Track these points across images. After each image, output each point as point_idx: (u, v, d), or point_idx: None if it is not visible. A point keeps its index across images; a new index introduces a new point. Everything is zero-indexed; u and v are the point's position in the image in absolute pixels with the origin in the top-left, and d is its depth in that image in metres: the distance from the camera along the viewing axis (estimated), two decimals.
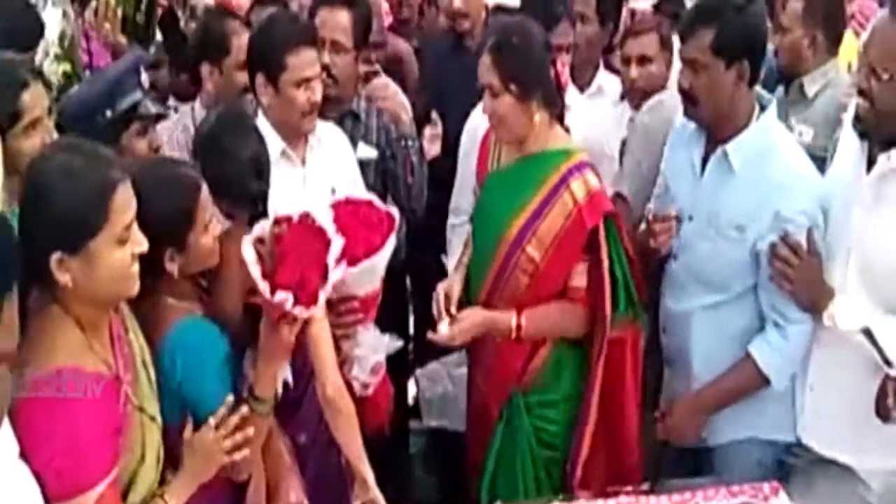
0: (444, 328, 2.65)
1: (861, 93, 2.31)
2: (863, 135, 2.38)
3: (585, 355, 2.71)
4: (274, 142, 2.69)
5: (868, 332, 2.35)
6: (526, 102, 2.58)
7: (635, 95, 3.34)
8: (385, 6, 4.39)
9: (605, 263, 2.59)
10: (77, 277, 1.74)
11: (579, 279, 2.65)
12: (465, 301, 2.76)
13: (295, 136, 2.80)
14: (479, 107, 2.97)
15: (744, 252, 2.52)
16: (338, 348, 2.48)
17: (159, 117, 2.67)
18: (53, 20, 3.33)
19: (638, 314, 2.69)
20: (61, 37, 3.37)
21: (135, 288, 1.85)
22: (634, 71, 3.31)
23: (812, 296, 2.45)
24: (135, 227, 1.81)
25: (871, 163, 2.37)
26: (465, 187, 3.21)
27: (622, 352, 2.68)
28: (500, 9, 3.75)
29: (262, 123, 2.70)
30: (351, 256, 2.34)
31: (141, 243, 1.82)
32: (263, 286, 2.11)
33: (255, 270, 2.14)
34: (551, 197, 2.61)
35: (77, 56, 3.45)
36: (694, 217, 2.61)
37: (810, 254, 2.44)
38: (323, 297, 2.19)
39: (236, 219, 2.29)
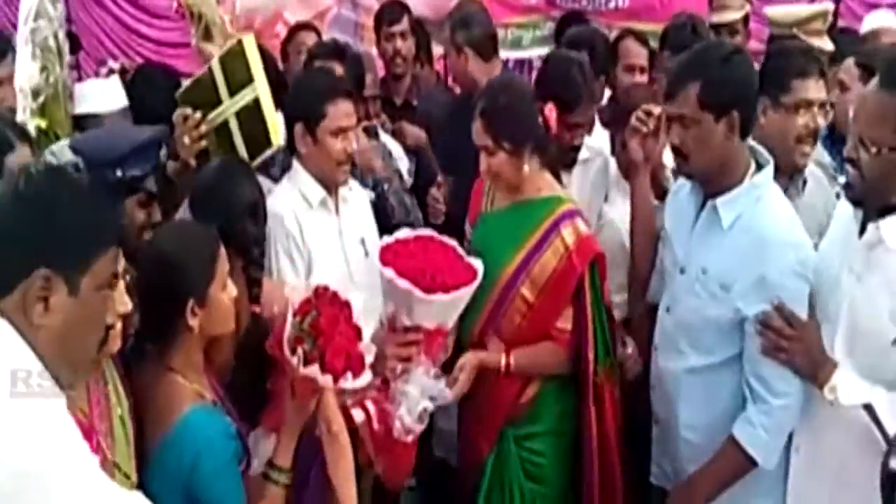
0: (454, 391, 2.69)
1: (850, 162, 2.23)
2: (855, 202, 2.30)
3: (569, 391, 2.84)
4: (315, 190, 2.88)
5: (869, 408, 2.25)
6: (518, 156, 2.73)
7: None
8: (379, 62, 4.42)
9: (589, 310, 2.74)
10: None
11: (564, 322, 2.79)
12: (458, 336, 2.84)
13: (332, 185, 2.91)
14: None
15: (728, 312, 2.46)
16: (386, 381, 2.58)
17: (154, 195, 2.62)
18: (27, 73, 3.29)
19: (613, 367, 2.83)
20: (35, 93, 3.32)
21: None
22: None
23: (813, 367, 2.35)
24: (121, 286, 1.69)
25: (863, 230, 2.29)
26: None
27: (603, 398, 2.81)
28: None
29: (302, 174, 2.88)
30: (436, 284, 2.56)
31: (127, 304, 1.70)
32: (325, 379, 2.15)
33: (311, 370, 2.14)
34: (544, 241, 2.75)
35: (58, 110, 3.38)
36: (686, 270, 2.58)
37: (808, 324, 2.38)
38: (367, 369, 2.27)
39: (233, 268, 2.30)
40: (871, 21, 4.93)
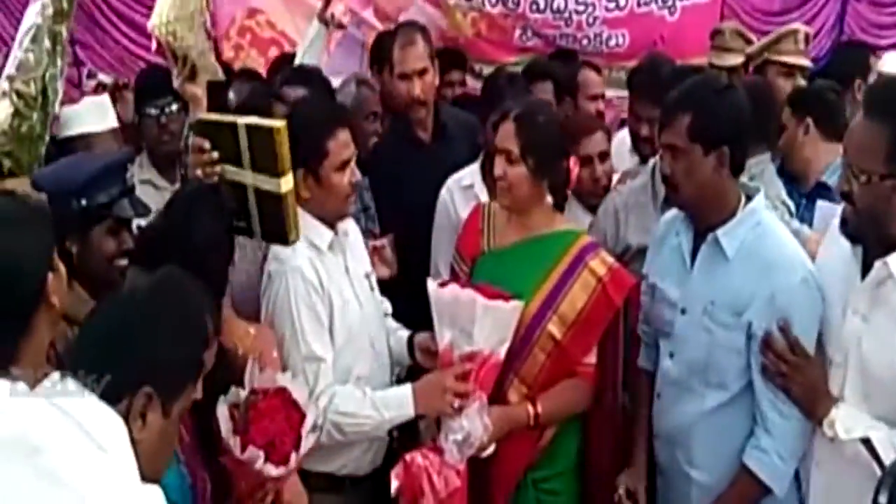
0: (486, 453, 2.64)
1: (844, 196, 2.23)
2: (852, 239, 2.27)
3: (583, 426, 2.77)
4: (323, 234, 2.70)
5: (867, 442, 2.23)
6: (538, 179, 2.65)
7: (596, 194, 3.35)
8: None
9: (621, 343, 2.66)
10: None
11: (590, 356, 2.69)
12: None
13: (337, 221, 2.75)
14: (451, 180, 3.29)
15: (740, 339, 2.44)
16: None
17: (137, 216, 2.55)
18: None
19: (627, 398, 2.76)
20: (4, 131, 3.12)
21: None
22: (599, 168, 3.35)
23: (811, 401, 2.35)
24: None
25: (865, 267, 2.26)
26: (443, 243, 3.26)
27: (621, 431, 2.76)
28: None
29: (306, 219, 2.65)
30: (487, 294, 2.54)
31: None
32: (234, 442, 2.18)
33: (227, 427, 2.20)
34: (569, 275, 2.66)
35: (24, 153, 3.12)
36: (687, 310, 2.53)
37: (813, 358, 2.36)
38: (294, 461, 2.27)
39: None
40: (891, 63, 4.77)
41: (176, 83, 2.86)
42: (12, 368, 1.66)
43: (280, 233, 2.61)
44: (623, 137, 3.82)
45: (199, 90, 2.86)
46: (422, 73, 3.47)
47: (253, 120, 2.57)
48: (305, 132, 2.59)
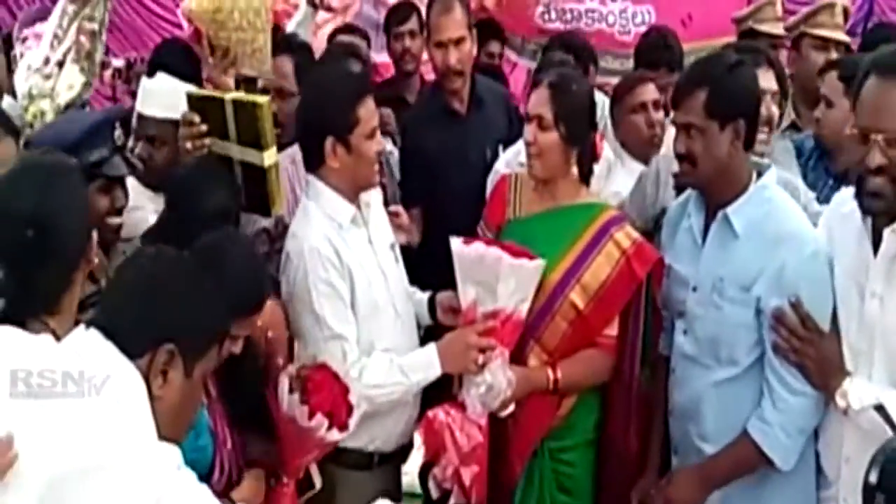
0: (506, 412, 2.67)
1: (877, 171, 2.16)
2: (878, 214, 2.23)
3: (603, 399, 2.78)
4: (343, 208, 2.68)
5: (881, 409, 2.21)
6: (568, 147, 2.66)
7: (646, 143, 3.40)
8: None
9: (642, 317, 2.67)
10: None
11: (612, 328, 2.70)
12: None
13: (362, 193, 2.75)
14: (510, 152, 3.31)
15: (749, 314, 2.44)
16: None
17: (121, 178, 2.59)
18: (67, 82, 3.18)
19: (646, 374, 2.75)
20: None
21: None
22: (654, 115, 3.39)
23: (824, 374, 2.34)
24: None
25: (875, 241, 2.25)
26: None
27: (641, 405, 2.75)
28: None
29: (326, 193, 2.66)
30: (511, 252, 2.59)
31: None
32: (300, 412, 2.36)
33: (290, 399, 2.38)
34: (593, 246, 2.67)
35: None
36: (698, 287, 2.54)
37: (826, 334, 2.35)
38: (352, 426, 2.46)
39: None
40: None
41: (208, 71, 2.91)
42: (49, 320, 1.73)
43: (263, 204, 2.72)
44: None
45: (231, 81, 2.92)
46: (458, 41, 3.42)
47: (239, 95, 2.68)
48: (333, 101, 2.61)
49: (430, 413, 2.66)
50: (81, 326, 1.60)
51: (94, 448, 1.43)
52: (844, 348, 2.34)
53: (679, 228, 2.65)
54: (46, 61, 3.10)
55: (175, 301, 1.63)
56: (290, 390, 2.39)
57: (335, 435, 2.41)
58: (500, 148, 3.50)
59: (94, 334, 1.56)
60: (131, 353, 1.55)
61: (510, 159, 3.37)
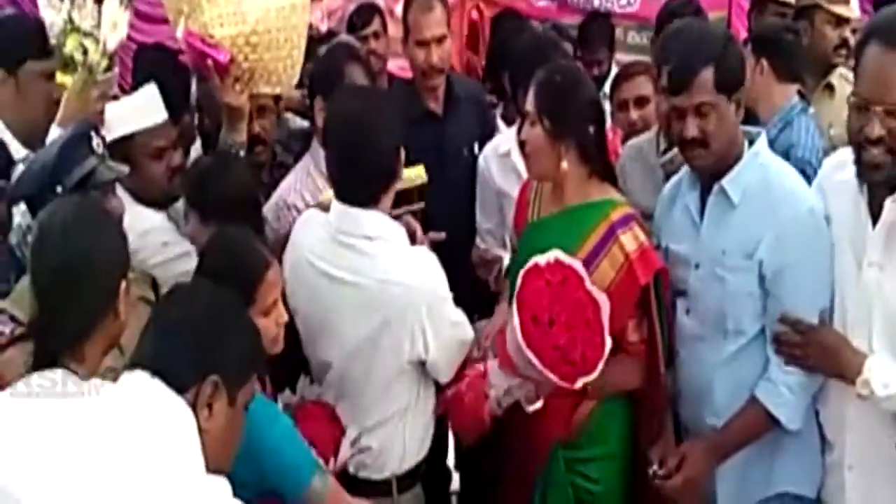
0: (532, 407, 2.56)
1: (876, 142, 2.14)
2: (879, 184, 2.22)
3: (631, 410, 2.68)
4: None
5: None
6: (555, 141, 2.58)
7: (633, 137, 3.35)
8: None
9: (657, 323, 2.58)
10: None
11: (634, 333, 2.61)
12: None
13: None
14: (487, 148, 3.37)
15: (753, 282, 2.44)
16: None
17: (117, 180, 2.56)
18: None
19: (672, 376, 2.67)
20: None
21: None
22: (634, 113, 3.35)
23: (835, 365, 2.32)
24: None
25: (872, 211, 2.26)
26: (488, 210, 3.38)
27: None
28: None
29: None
30: (574, 371, 2.43)
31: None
32: None
33: None
34: (600, 249, 2.59)
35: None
36: (700, 264, 2.53)
37: (816, 326, 2.36)
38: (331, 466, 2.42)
39: None
40: None
41: (223, 95, 2.82)
42: (73, 365, 1.70)
43: None
44: None
45: (247, 102, 2.88)
46: (440, 40, 3.44)
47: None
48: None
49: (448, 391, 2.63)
50: (125, 372, 1.60)
51: (94, 449, 1.47)
52: (840, 316, 2.35)
53: (674, 209, 2.64)
54: None
55: (217, 334, 1.67)
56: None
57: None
58: (476, 147, 3.52)
59: (141, 374, 1.57)
60: (178, 388, 1.57)
61: (488, 154, 3.43)
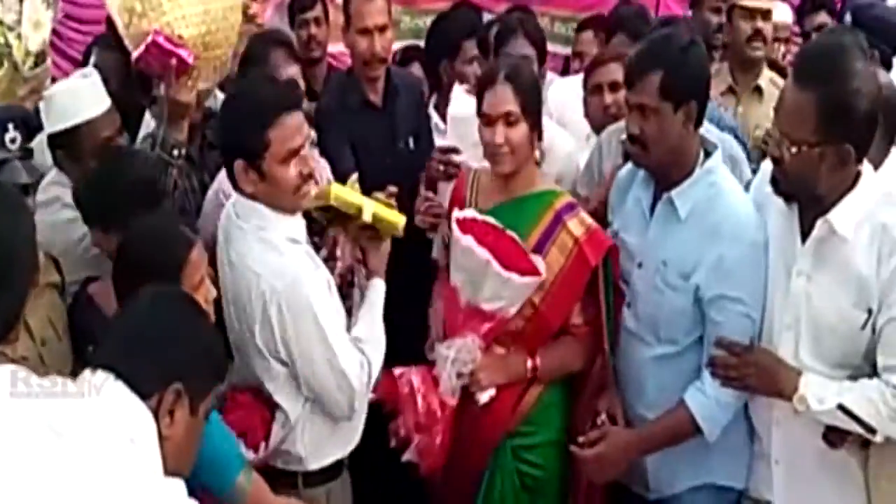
0: (485, 397, 2.62)
1: (774, 161, 2.27)
2: (785, 196, 2.32)
3: (572, 394, 2.73)
4: (296, 226, 2.57)
5: (842, 407, 2.23)
6: (534, 136, 2.63)
7: (608, 123, 3.32)
8: None
9: (603, 302, 2.62)
10: None
11: (578, 316, 2.67)
12: None
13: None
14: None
15: (688, 301, 2.48)
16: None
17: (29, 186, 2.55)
18: None
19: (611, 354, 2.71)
20: None
21: None
22: (609, 97, 3.32)
23: (771, 383, 2.34)
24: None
25: (802, 225, 2.32)
26: None
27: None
28: None
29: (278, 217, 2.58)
30: (511, 265, 2.52)
31: None
32: None
33: None
34: (547, 238, 2.62)
35: None
36: (643, 264, 2.57)
37: (749, 347, 2.39)
38: (262, 451, 2.44)
39: None
40: None
41: (174, 91, 2.79)
42: (6, 350, 1.70)
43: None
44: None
45: (194, 97, 2.87)
46: (382, 29, 3.39)
47: (381, 211, 2.64)
48: (241, 123, 2.41)
49: (397, 371, 2.60)
50: (87, 371, 1.57)
51: (94, 449, 1.44)
52: (768, 322, 2.39)
53: (629, 196, 2.65)
54: None
55: (182, 342, 1.66)
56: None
57: (249, 455, 2.38)
58: (412, 141, 3.50)
59: (105, 376, 1.56)
60: (141, 394, 1.56)
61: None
